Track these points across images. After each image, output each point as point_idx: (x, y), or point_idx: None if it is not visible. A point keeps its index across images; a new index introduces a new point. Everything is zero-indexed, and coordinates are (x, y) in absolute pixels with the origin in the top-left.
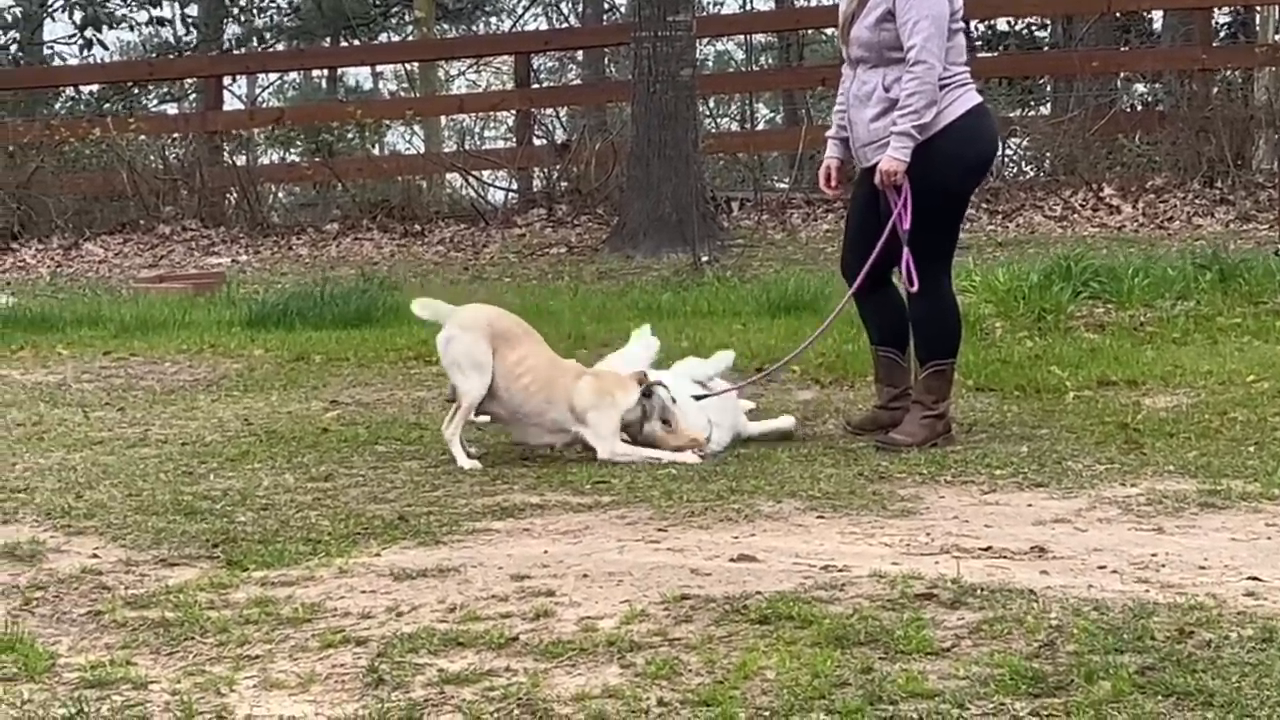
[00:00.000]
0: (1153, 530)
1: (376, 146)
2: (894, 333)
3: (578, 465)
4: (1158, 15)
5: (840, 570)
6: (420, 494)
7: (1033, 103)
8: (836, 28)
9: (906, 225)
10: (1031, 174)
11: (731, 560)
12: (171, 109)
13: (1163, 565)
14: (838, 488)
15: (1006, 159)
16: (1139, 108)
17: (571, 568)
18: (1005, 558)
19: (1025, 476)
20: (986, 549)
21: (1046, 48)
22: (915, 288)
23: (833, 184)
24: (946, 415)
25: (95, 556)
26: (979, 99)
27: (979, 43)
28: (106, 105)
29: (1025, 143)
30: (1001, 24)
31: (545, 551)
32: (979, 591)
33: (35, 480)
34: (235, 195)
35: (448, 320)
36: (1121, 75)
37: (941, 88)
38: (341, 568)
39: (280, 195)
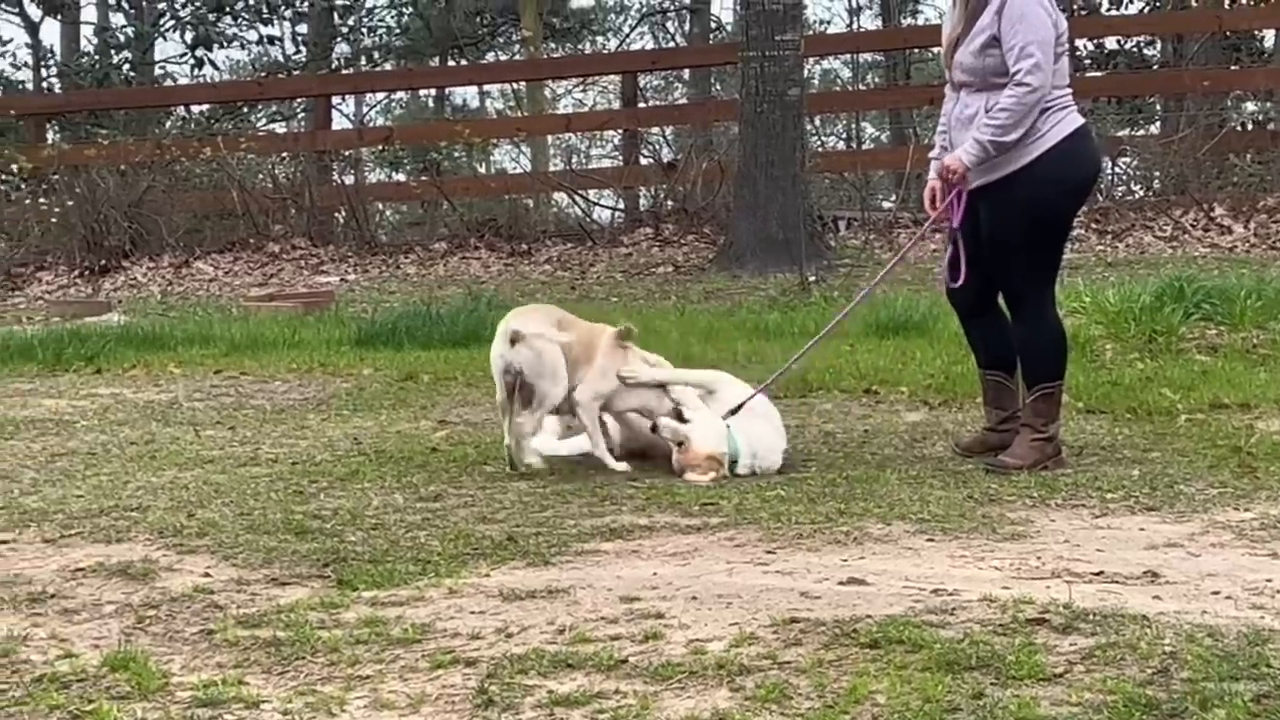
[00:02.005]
0: (1267, 555)
1: (483, 165)
2: (1001, 356)
3: (685, 487)
4: (1269, 33)
5: (950, 594)
6: (529, 514)
7: (1142, 121)
8: (941, 48)
9: (956, 223)
10: (1141, 194)
11: (841, 583)
12: (280, 128)
13: (1278, 591)
14: (947, 510)
15: (1116, 178)
16: (1250, 126)
17: (680, 590)
18: (1117, 582)
19: (1137, 500)
20: (1098, 573)
21: (1156, 66)
22: (958, 283)
23: (937, 205)
24: (1056, 438)
25: (207, 575)
26: (1081, 120)
27: (1088, 61)
28: (216, 124)
29: (1135, 162)
30: (1110, 42)
31: (654, 573)
32: (1091, 616)
33: (148, 499)
34: (344, 214)
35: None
36: (1232, 94)
37: (1044, 110)
38: (451, 588)
39: (388, 214)
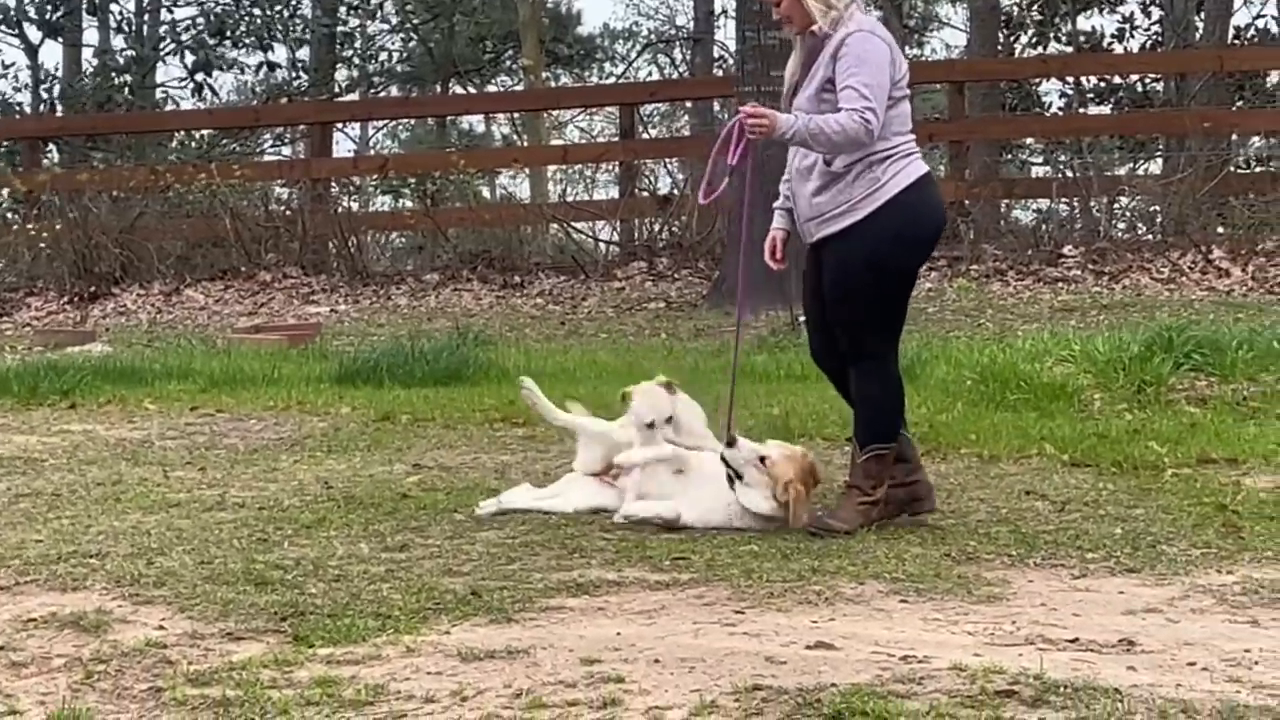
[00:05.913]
0: (1247, 623)
1: (487, 190)
2: None
3: (656, 540)
4: (1274, 75)
5: (920, 661)
6: (495, 567)
7: (1143, 159)
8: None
9: (733, 161)
10: (1142, 233)
11: (808, 647)
12: (286, 150)
13: (1256, 663)
14: (923, 569)
15: (1114, 219)
16: (1254, 167)
17: (643, 652)
18: (1092, 651)
19: (1118, 561)
20: (1073, 640)
21: (1159, 104)
22: (704, 200)
23: (777, 256)
24: (881, 501)
25: (161, 628)
26: (925, 169)
27: (1090, 96)
28: (218, 149)
29: (1133, 202)
30: (1115, 77)
31: (618, 633)
32: (1062, 689)
33: (108, 545)
34: (335, 243)
35: None
36: (1234, 135)
37: (885, 158)
38: (409, 646)
39: (393, 239)
